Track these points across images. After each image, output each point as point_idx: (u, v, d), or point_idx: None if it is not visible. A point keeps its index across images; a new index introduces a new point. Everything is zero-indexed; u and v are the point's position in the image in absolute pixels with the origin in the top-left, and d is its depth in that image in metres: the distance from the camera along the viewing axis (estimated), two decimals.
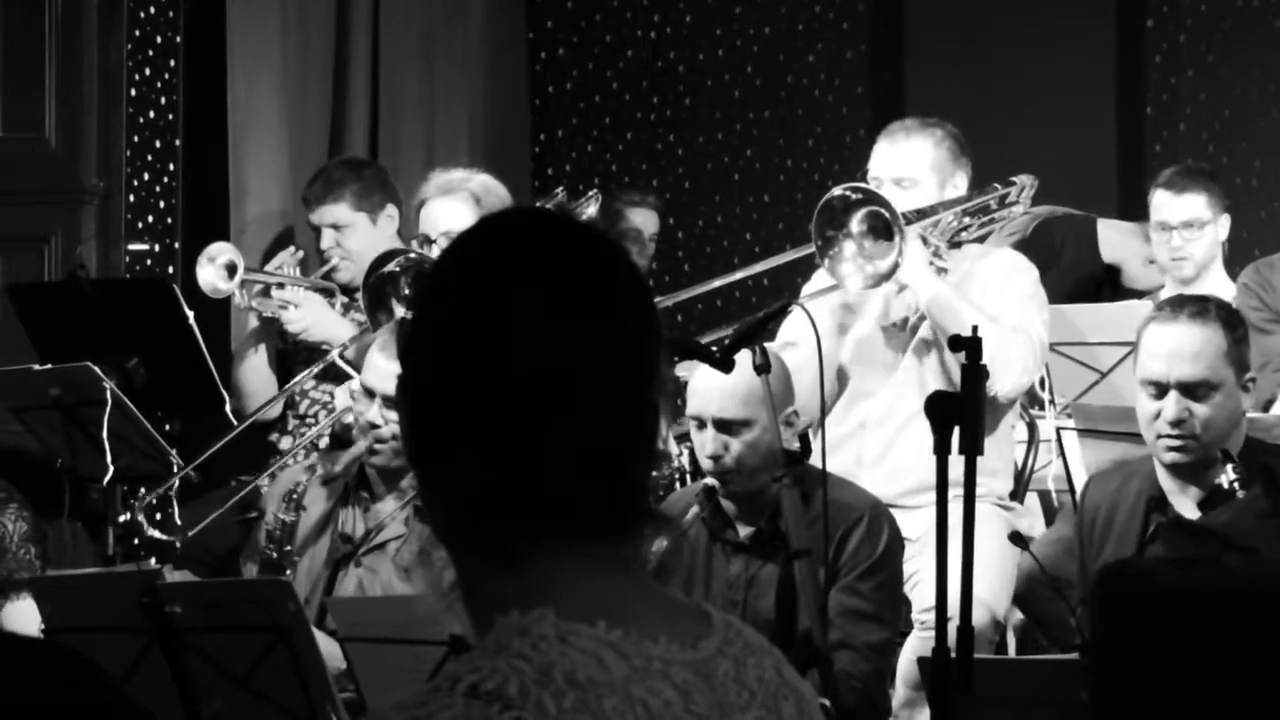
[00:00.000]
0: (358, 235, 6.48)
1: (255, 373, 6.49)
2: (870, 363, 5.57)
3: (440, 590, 4.54)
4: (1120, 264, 7.32)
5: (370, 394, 5.01)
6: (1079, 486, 5.68)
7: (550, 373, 1.80)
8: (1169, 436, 4.64)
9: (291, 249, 6.62)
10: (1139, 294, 7.12)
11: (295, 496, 5.11)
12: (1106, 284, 7.35)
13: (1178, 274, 6.61)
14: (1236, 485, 4.55)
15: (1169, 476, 4.72)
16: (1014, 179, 5.96)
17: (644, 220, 8.14)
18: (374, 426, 4.99)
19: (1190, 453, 4.66)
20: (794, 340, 5.33)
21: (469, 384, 1.81)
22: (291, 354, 6.47)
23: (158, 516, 5.96)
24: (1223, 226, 6.62)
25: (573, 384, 1.80)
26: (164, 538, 5.83)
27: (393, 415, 4.93)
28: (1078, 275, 7.27)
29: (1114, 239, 7.34)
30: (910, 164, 5.57)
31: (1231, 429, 4.68)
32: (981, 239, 5.74)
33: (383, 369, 4.98)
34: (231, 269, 6.32)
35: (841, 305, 5.55)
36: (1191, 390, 4.64)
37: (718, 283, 6.18)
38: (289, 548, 5.02)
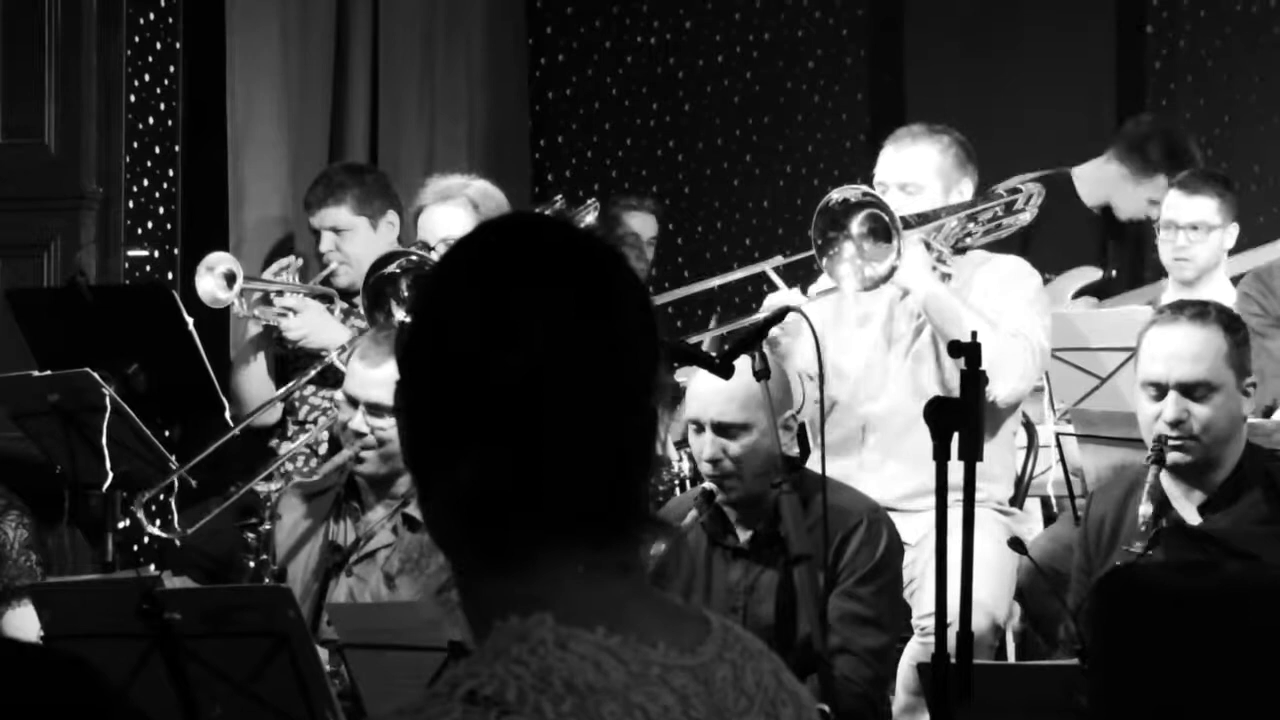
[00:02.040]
0: (358, 240, 6.48)
1: (254, 379, 6.49)
2: (871, 366, 5.57)
3: (429, 595, 4.56)
4: (1108, 202, 7.29)
5: (354, 402, 5.01)
6: (1076, 490, 5.70)
7: (550, 376, 1.79)
8: (1169, 438, 4.65)
9: (289, 259, 6.62)
10: (1139, 243, 7.09)
11: (270, 505, 5.11)
12: (1107, 234, 7.31)
13: (1179, 275, 6.62)
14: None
15: (1171, 480, 4.73)
16: (1020, 185, 5.96)
17: (642, 225, 8.14)
18: (359, 435, 4.98)
19: (1190, 454, 4.66)
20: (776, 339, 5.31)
21: (468, 387, 1.80)
22: (291, 361, 6.47)
23: (157, 522, 5.96)
24: (1230, 235, 6.63)
25: (572, 388, 1.80)
26: (163, 535, 5.83)
27: (377, 422, 4.93)
28: (1071, 234, 7.27)
29: (1091, 177, 7.31)
30: (915, 169, 5.58)
31: (1232, 432, 4.69)
32: (985, 245, 5.75)
33: (365, 377, 4.98)
34: (230, 278, 6.31)
35: (843, 309, 5.56)
36: (1191, 391, 4.65)
37: (715, 281, 6.18)
38: (265, 557, 5.02)
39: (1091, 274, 7.14)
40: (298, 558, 5.08)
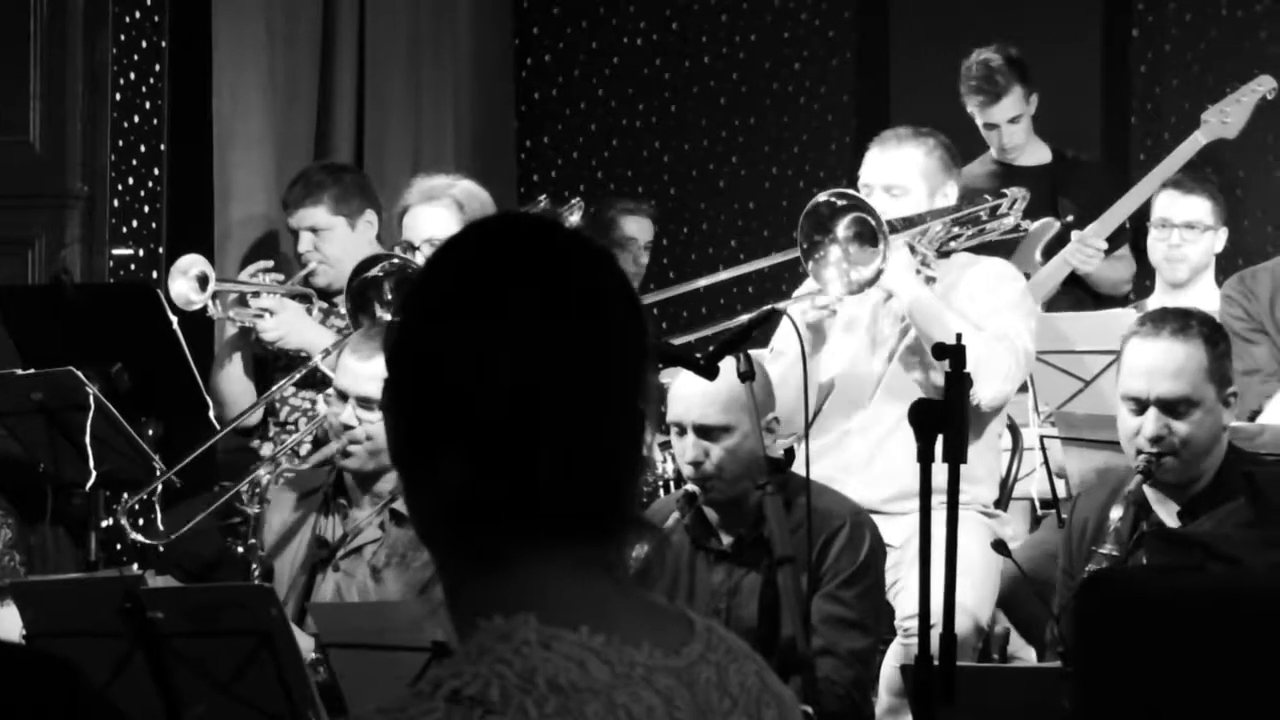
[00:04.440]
0: (336, 240, 6.47)
1: (233, 380, 6.48)
2: (855, 369, 5.58)
3: (414, 589, 4.55)
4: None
5: (343, 396, 5.02)
6: (1061, 493, 5.70)
7: (539, 376, 1.79)
8: (1151, 454, 4.64)
9: (262, 263, 6.61)
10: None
11: (259, 490, 5.11)
12: (1054, 183, 7.35)
13: (1171, 275, 6.64)
14: None
15: (1150, 487, 4.72)
16: (1005, 190, 5.97)
17: (638, 229, 8.14)
18: (348, 428, 4.99)
19: (1170, 468, 4.66)
20: (782, 350, 5.34)
21: (457, 385, 1.80)
22: (270, 361, 6.46)
23: (140, 522, 5.94)
24: (1220, 239, 6.66)
25: (561, 388, 1.80)
26: (146, 541, 5.81)
27: (367, 416, 4.93)
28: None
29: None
30: (901, 172, 5.58)
31: (1212, 445, 4.68)
32: (971, 249, 5.75)
33: (356, 371, 4.98)
34: (204, 281, 6.30)
35: (828, 313, 5.56)
36: (1172, 407, 4.64)
37: (702, 282, 6.19)
38: (253, 541, 5.02)
39: (1050, 226, 7.17)
40: (285, 553, 5.09)
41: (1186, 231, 6.60)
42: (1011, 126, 7.33)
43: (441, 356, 1.82)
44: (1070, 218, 7.16)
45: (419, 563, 4.79)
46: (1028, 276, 7.08)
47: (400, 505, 4.89)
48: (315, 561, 5.02)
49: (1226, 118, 7.05)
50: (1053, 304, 7.03)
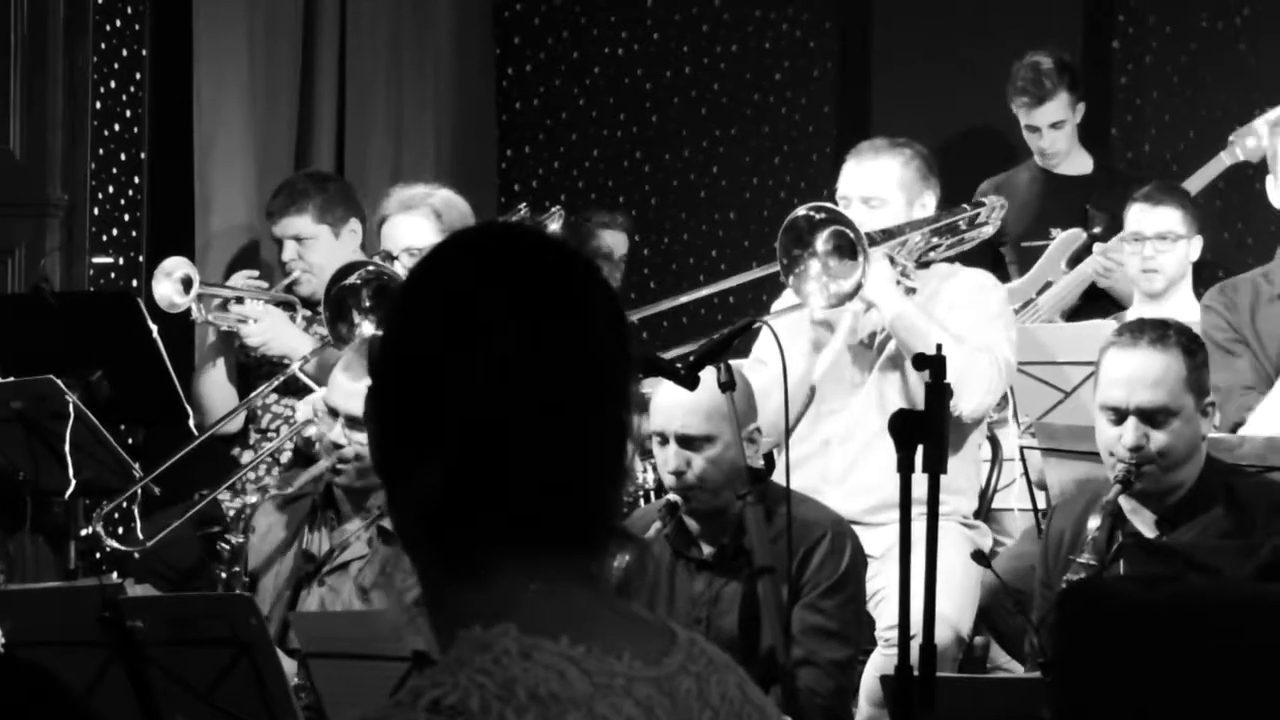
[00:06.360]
0: (320, 248, 6.47)
1: (215, 386, 6.47)
2: (836, 380, 5.58)
3: (402, 610, 4.56)
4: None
5: (334, 414, 5.00)
6: (1041, 504, 5.70)
7: (520, 385, 1.79)
8: (1130, 463, 4.64)
9: (248, 272, 6.60)
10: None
11: (244, 518, 5.10)
12: (1084, 196, 7.40)
13: (1147, 287, 6.66)
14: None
15: (1127, 497, 4.73)
16: (984, 200, 5.97)
17: (614, 241, 8.14)
18: (338, 446, 4.97)
19: (1149, 478, 4.66)
20: (764, 359, 5.34)
21: (432, 390, 1.80)
22: (253, 368, 6.45)
23: (120, 530, 5.93)
24: (1195, 247, 6.68)
25: (538, 394, 1.80)
26: (123, 549, 5.80)
27: (356, 435, 4.92)
28: (1049, 200, 7.39)
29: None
30: (878, 183, 5.58)
31: (1190, 454, 4.68)
32: (950, 259, 5.76)
33: (347, 389, 4.96)
34: (188, 283, 6.30)
35: (814, 323, 5.56)
36: (1150, 417, 4.64)
37: (685, 298, 6.18)
38: (237, 569, 5.00)
39: (1077, 237, 7.23)
40: (270, 565, 5.07)
41: (1159, 243, 6.63)
42: (1053, 132, 7.40)
43: (422, 364, 1.82)
44: (1098, 229, 7.20)
45: (406, 580, 4.77)
46: (1049, 285, 7.13)
47: (389, 521, 4.87)
48: (300, 576, 5.01)
49: (1250, 140, 7.12)
50: (1076, 314, 7.06)
